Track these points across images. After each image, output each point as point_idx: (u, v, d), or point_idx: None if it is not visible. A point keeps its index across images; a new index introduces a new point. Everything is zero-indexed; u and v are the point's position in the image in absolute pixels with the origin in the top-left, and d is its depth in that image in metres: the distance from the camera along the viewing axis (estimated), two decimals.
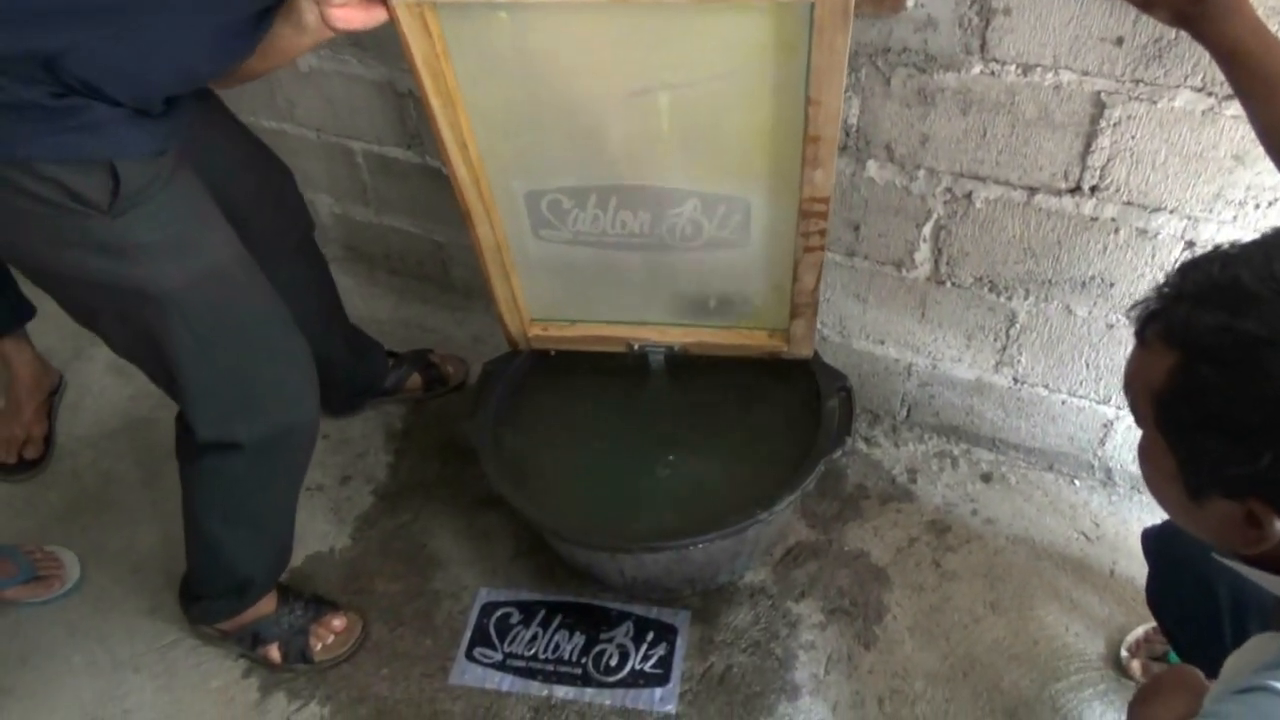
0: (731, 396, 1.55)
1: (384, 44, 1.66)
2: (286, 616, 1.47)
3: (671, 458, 1.48)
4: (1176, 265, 0.66)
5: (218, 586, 1.43)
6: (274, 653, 1.46)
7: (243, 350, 1.18)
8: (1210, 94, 1.13)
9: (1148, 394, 0.66)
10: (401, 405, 1.88)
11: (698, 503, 1.40)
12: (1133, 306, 0.68)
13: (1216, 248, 0.64)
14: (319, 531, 1.68)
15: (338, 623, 1.49)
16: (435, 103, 1.19)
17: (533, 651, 1.48)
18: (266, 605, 1.46)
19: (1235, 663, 0.72)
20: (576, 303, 1.51)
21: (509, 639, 1.49)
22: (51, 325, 1.69)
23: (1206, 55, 1.01)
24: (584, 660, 1.46)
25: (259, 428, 1.24)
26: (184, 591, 1.48)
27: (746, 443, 1.47)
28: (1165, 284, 0.65)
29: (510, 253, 1.43)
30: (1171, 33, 1.10)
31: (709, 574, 1.49)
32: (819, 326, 1.66)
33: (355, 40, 1.69)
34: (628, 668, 1.44)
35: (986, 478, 1.66)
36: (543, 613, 1.52)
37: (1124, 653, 1.36)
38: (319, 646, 1.47)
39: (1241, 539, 0.63)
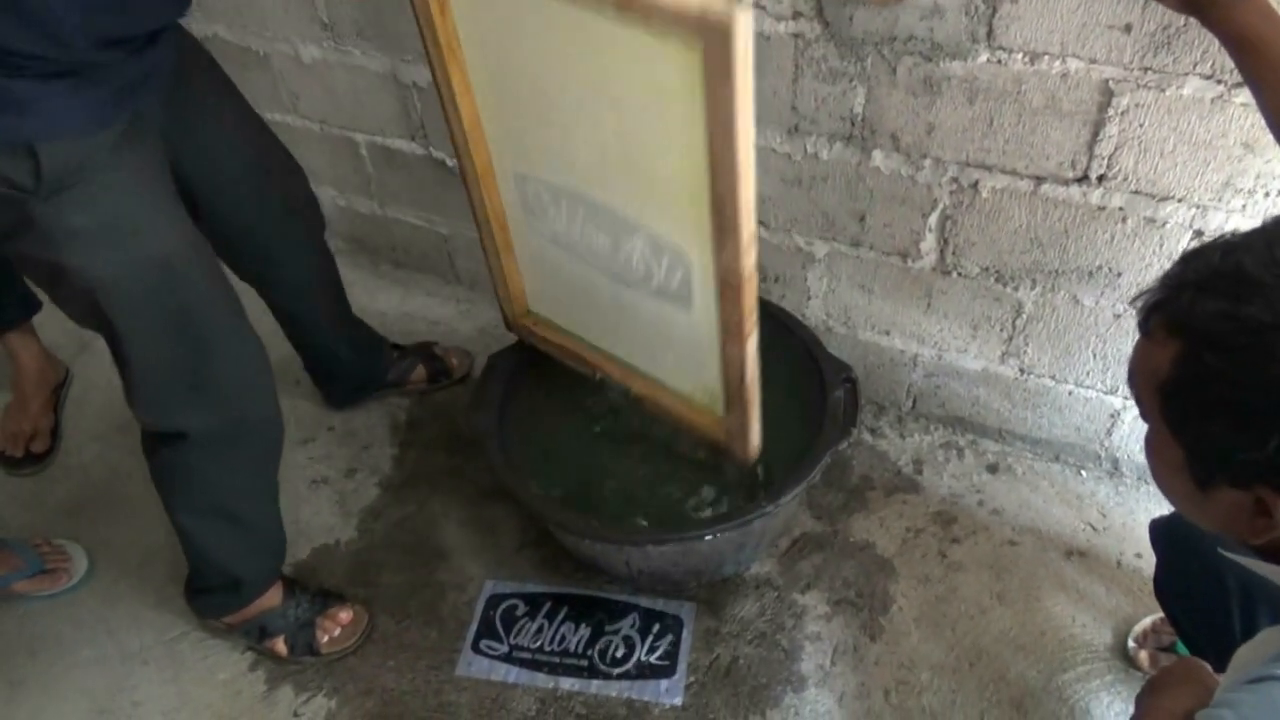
0: None
1: (388, 35, 1.65)
2: (293, 610, 1.47)
3: (673, 448, 1.47)
4: (1179, 255, 0.65)
5: (210, 581, 1.43)
6: (280, 645, 1.46)
7: (182, 342, 1.15)
8: (1219, 81, 1.12)
9: (1152, 385, 0.65)
10: (406, 398, 1.88)
11: (702, 494, 1.39)
12: (1135, 297, 0.68)
13: (1219, 237, 0.64)
14: (324, 524, 1.68)
15: (344, 615, 1.49)
16: (434, 56, 1.17)
17: (539, 643, 1.48)
18: (272, 598, 1.46)
19: (1246, 654, 0.72)
20: (561, 305, 1.48)
21: (515, 631, 1.49)
22: (57, 320, 1.68)
23: (1215, 42, 1.00)
24: (590, 652, 1.46)
25: (203, 420, 1.22)
26: (188, 585, 1.48)
27: None
28: (1168, 274, 0.65)
29: (509, 231, 1.42)
30: (1180, 19, 1.09)
31: (715, 566, 1.49)
32: (824, 318, 1.66)
33: (358, 31, 1.68)
34: (634, 659, 1.44)
35: (993, 468, 1.65)
36: (548, 605, 1.52)
37: (1131, 643, 1.36)
38: (325, 639, 1.47)
39: (1250, 528, 0.63)
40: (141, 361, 1.15)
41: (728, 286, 1.08)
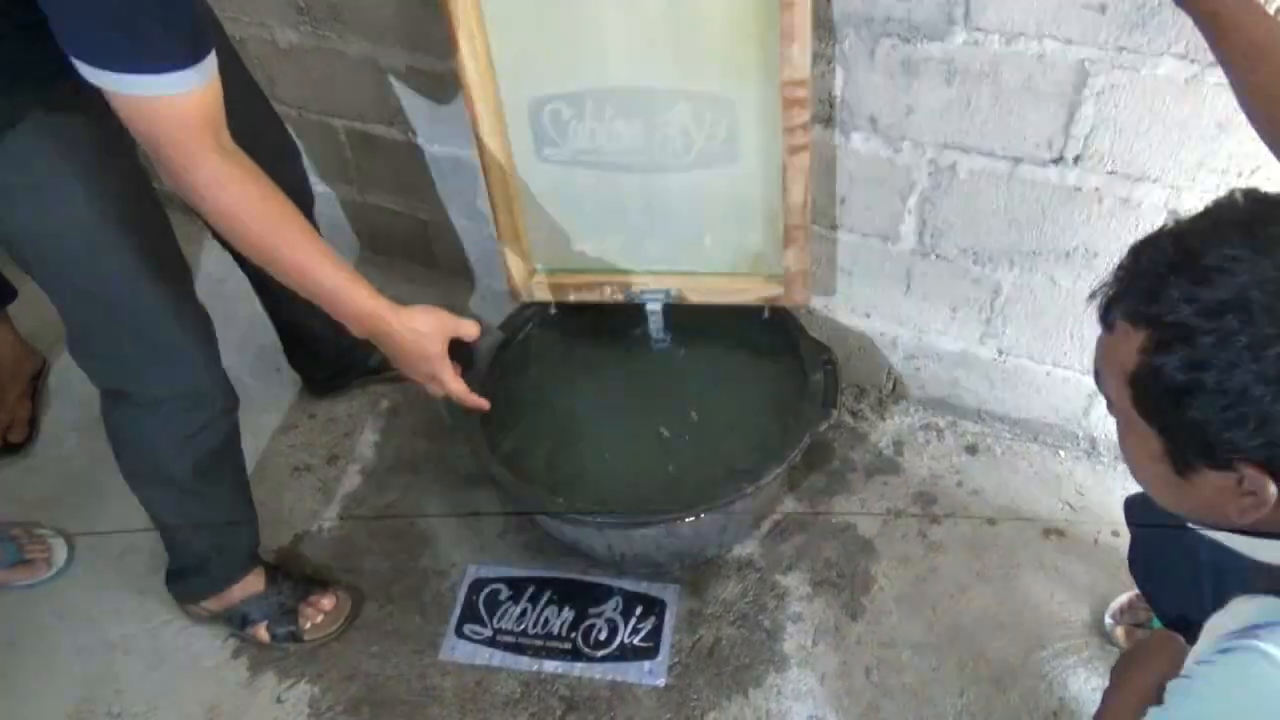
0: (718, 371, 1.56)
1: (366, 20, 1.64)
2: (275, 596, 1.47)
3: (659, 433, 1.48)
4: (1128, 248, 0.66)
5: (182, 561, 1.44)
6: (262, 632, 1.46)
7: (109, 310, 1.14)
8: (1193, 61, 1.13)
9: (1121, 377, 0.66)
10: (387, 385, 1.87)
11: (685, 477, 1.40)
12: (1092, 294, 0.68)
13: (1163, 225, 0.65)
14: (307, 511, 1.68)
15: (326, 602, 1.49)
16: None
17: (522, 627, 1.48)
18: (254, 584, 1.46)
19: (1215, 624, 0.73)
20: (578, 244, 1.53)
21: (498, 615, 1.50)
22: (34, 308, 1.68)
23: (1189, 22, 1.01)
24: (573, 635, 1.47)
25: (138, 384, 1.22)
26: (167, 570, 1.48)
27: (733, 417, 1.48)
28: (1122, 266, 0.66)
29: (515, 177, 1.45)
30: None
31: (697, 548, 1.50)
32: None
33: (336, 15, 1.67)
34: (617, 641, 1.45)
35: (972, 449, 1.67)
36: (532, 588, 1.53)
37: (1108, 619, 1.38)
38: (308, 626, 1.47)
39: (1236, 509, 0.64)
40: (69, 316, 1.15)
41: (792, 98, 1.23)
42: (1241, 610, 0.70)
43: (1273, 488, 0.61)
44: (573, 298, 1.58)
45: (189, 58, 0.89)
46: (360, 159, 1.95)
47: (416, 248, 2.09)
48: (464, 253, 2.02)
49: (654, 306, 1.55)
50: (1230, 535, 0.69)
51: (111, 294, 1.13)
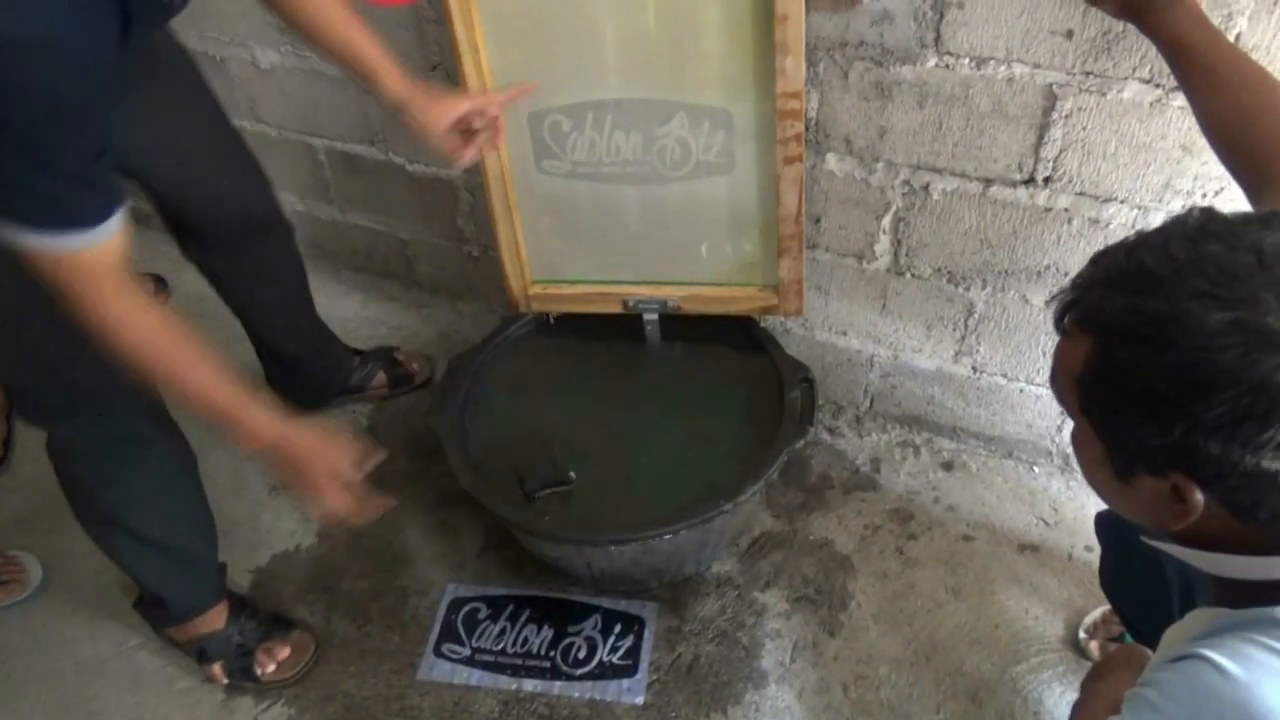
0: (697, 389, 1.57)
1: None
2: (236, 635, 1.44)
3: (637, 450, 1.49)
4: (1089, 258, 0.68)
5: (142, 592, 1.43)
6: (218, 671, 1.44)
7: (19, 355, 1.11)
8: (1158, 85, 1.16)
9: (1071, 381, 0.68)
10: (367, 404, 1.87)
11: (663, 494, 1.40)
12: (1050, 299, 0.71)
13: (1125, 237, 0.67)
14: (285, 530, 1.67)
15: (283, 651, 1.45)
16: (454, 7, 1.27)
17: (501, 646, 1.48)
18: (214, 621, 1.43)
19: (1173, 635, 0.75)
20: (575, 255, 1.56)
21: (477, 634, 1.50)
22: None
23: (1153, 48, 1.03)
24: (552, 653, 1.46)
25: (48, 423, 1.20)
26: (137, 594, 1.46)
27: (712, 435, 1.49)
28: (1079, 275, 0.68)
29: (514, 189, 1.48)
30: (1119, 25, 1.12)
31: (676, 565, 1.50)
32: (781, 319, 1.68)
33: None
34: (596, 660, 1.45)
35: (948, 466, 1.68)
36: (511, 607, 1.53)
37: (1082, 634, 1.39)
38: (261, 672, 1.44)
39: (1170, 514, 0.66)
40: None
41: (786, 110, 1.28)
42: (1195, 622, 0.72)
43: (1199, 495, 0.63)
44: (570, 308, 1.60)
45: (101, 214, 0.89)
46: (340, 178, 1.95)
47: (397, 267, 2.10)
48: (445, 271, 2.03)
49: (651, 316, 1.57)
50: (1180, 549, 0.71)
51: (23, 342, 1.10)
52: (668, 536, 1.31)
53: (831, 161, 1.41)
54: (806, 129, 1.38)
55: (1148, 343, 0.61)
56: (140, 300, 0.97)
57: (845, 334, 1.66)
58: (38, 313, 1.06)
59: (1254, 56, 1.05)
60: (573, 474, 1.43)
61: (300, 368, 1.74)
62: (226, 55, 1.82)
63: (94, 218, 0.89)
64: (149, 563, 1.37)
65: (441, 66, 1.61)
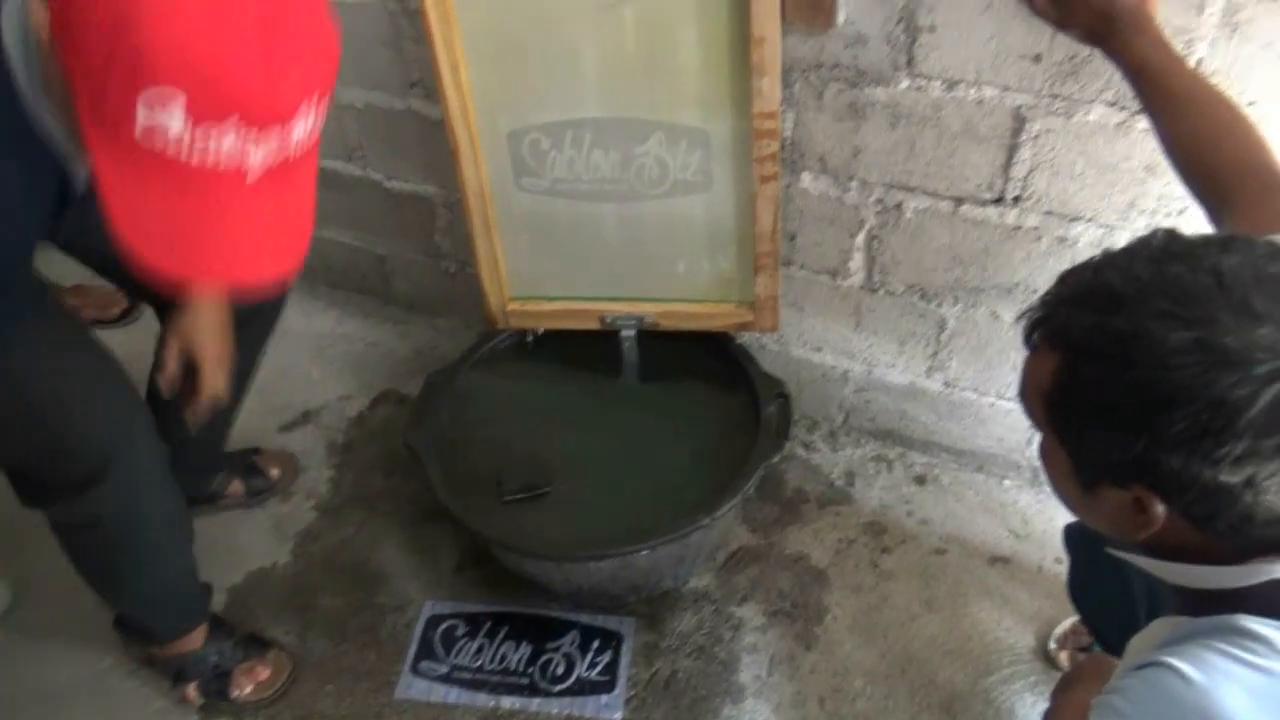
0: (674, 404, 1.58)
1: None
2: (213, 655, 1.42)
3: (614, 466, 1.49)
4: (1058, 276, 0.70)
5: (123, 617, 1.42)
6: (193, 692, 1.42)
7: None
8: (1123, 108, 1.19)
9: (1039, 395, 0.70)
10: (343, 420, 1.86)
11: (641, 510, 1.41)
12: (1019, 316, 0.73)
13: (1092, 256, 0.69)
14: (260, 548, 1.66)
15: (262, 671, 1.44)
16: (434, 17, 1.28)
17: (479, 663, 1.48)
18: (193, 641, 1.41)
19: (1138, 643, 0.77)
20: (554, 272, 1.57)
21: (455, 651, 1.49)
22: None
23: (1118, 72, 1.06)
24: (530, 670, 1.46)
25: (47, 501, 1.19)
26: (115, 615, 1.45)
27: (689, 450, 1.50)
28: (1047, 292, 0.70)
29: (494, 206, 1.49)
30: (1085, 50, 1.15)
31: (653, 580, 1.51)
32: (757, 334, 1.69)
33: None
34: (574, 676, 1.45)
35: (920, 480, 1.70)
36: (488, 624, 1.53)
37: (1052, 645, 1.42)
38: (237, 694, 1.42)
39: (1133, 525, 0.68)
40: None
41: (762, 129, 1.30)
42: (1159, 630, 0.74)
43: (1160, 507, 0.65)
44: (548, 325, 1.61)
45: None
46: (318, 194, 1.95)
47: (373, 283, 2.10)
48: (422, 288, 2.03)
49: (628, 332, 1.58)
50: (1145, 559, 0.73)
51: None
52: (645, 552, 1.32)
53: (807, 180, 1.44)
54: (782, 148, 1.40)
55: (1112, 360, 0.63)
56: None
57: (820, 350, 1.68)
58: (37, 381, 1.05)
59: (1214, 81, 1.08)
60: (549, 487, 1.44)
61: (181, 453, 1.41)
62: None
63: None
64: (132, 602, 1.37)
65: (420, 84, 1.62)
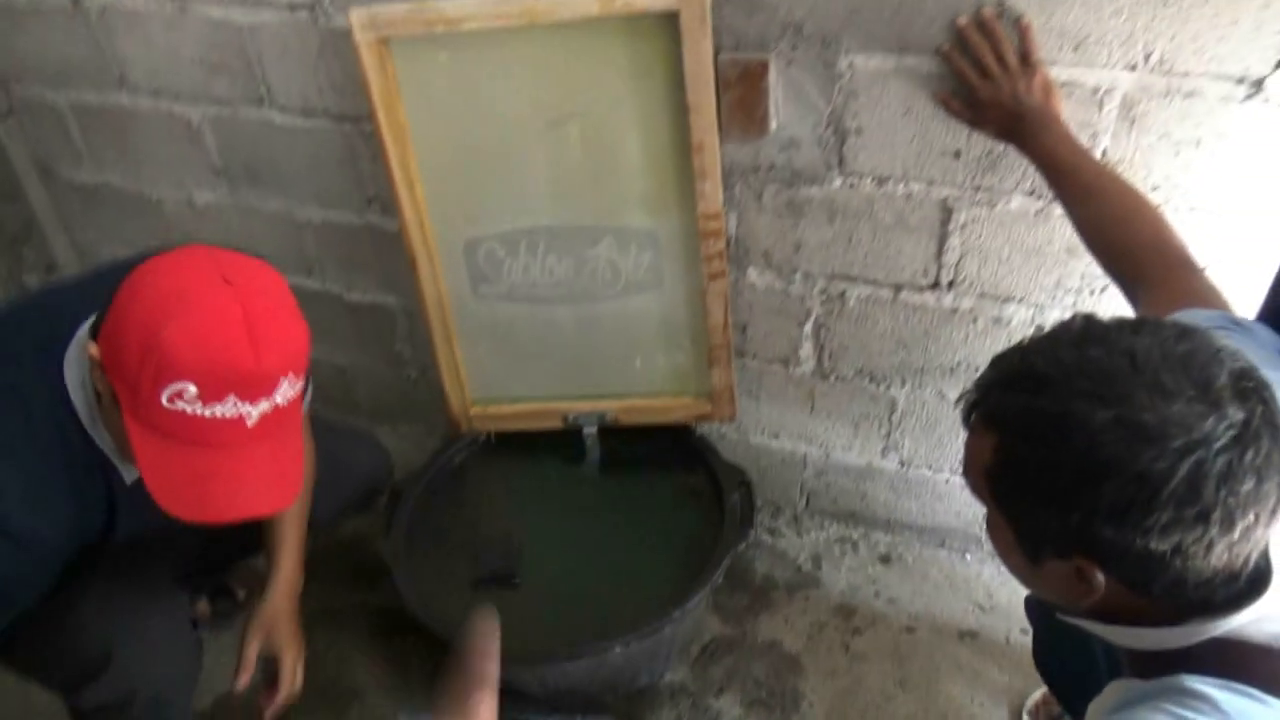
0: (638, 498, 1.60)
1: (283, 179, 1.71)
2: None
3: (583, 563, 1.51)
4: (990, 360, 0.75)
5: None
6: None
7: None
8: (1040, 197, 1.27)
9: (980, 473, 0.74)
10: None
11: (613, 606, 1.42)
12: (958, 400, 0.77)
13: (1020, 340, 0.74)
14: (227, 669, 1.62)
15: None
16: (388, 137, 1.34)
17: None
18: None
19: (1093, 710, 0.80)
20: (514, 375, 1.61)
21: None
22: None
23: (1031, 165, 1.15)
24: None
25: (76, 691, 1.24)
26: None
27: (656, 543, 1.52)
28: (981, 376, 0.75)
29: (452, 314, 1.54)
30: (1000, 146, 1.24)
31: (629, 677, 1.51)
32: (716, 424, 1.74)
33: (254, 178, 1.73)
34: None
35: (885, 559, 1.73)
36: None
37: (1025, 717, 1.43)
38: None
39: (1077, 593, 0.71)
40: None
41: (708, 230, 1.37)
42: (1111, 694, 0.77)
43: (1100, 575, 0.69)
44: (511, 426, 1.64)
45: None
46: None
47: (334, 392, 2.11)
48: (384, 396, 2.05)
49: (590, 429, 1.61)
50: (1092, 623, 0.76)
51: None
52: (619, 649, 1.33)
53: (753, 274, 1.50)
54: (728, 246, 1.47)
55: (1043, 439, 0.68)
56: None
57: (778, 436, 1.72)
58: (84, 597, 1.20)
59: (1119, 170, 1.17)
60: (517, 580, 1.46)
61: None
62: (162, 196, 1.86)
63: None
64: None
65: (377, 199, 1.67)
